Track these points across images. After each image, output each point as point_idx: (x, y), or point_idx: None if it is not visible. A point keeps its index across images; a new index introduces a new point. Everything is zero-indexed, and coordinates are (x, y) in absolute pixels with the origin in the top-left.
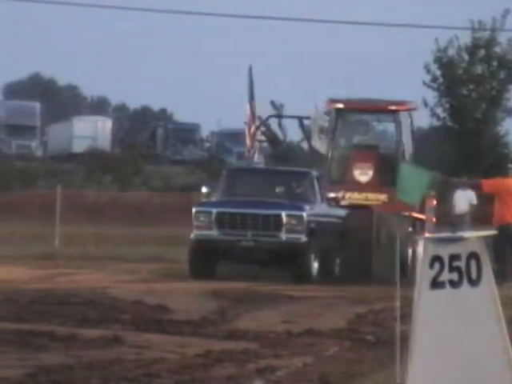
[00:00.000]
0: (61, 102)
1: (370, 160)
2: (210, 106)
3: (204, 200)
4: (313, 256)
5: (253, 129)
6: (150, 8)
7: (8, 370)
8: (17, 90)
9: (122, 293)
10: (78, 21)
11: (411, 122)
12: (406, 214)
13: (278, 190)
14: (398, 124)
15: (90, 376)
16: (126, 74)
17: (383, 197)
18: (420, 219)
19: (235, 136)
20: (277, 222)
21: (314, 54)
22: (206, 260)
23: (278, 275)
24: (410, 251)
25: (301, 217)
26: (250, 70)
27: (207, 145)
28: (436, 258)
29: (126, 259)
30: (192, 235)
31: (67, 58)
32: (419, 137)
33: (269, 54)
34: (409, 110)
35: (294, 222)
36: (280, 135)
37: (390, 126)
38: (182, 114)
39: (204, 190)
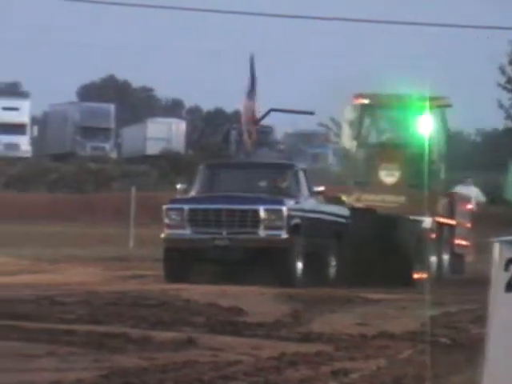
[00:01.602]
0: (135, 104)
1: (396, 160)
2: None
3: (176, 197)
4: (296, 255)
5: (257, 117)
6: (219, 10)
7: (83, 372)
8: (91, 92)
9: (195, 295)
10: (152, 23)
11: (445, 120)
12: (426, 218)
13: (259, 184)
14: (430, 121)
15: (164, 378)
16: (199, 76)
17: (402, 199)
18: (448, 224)
19: (309, 137)
20: (254, 217)
21: (380, 54)
22: (179, 261)
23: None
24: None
25: (280, 211)
26: (252, 59)
27: (281, 147)
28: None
29: None
30: (163, 235)
31: (142, 61)
32: (493, 138)
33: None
34: (442, 106)
35: (272, 217)
36: None
37: (421, 124)
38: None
39: (179, 186)
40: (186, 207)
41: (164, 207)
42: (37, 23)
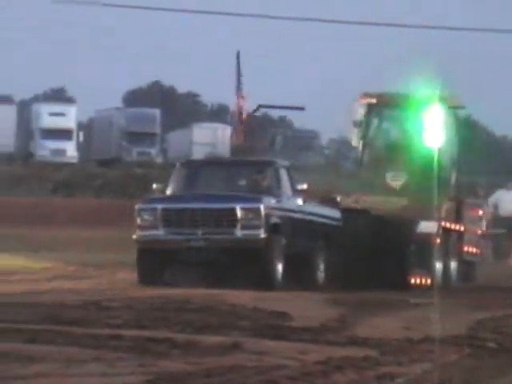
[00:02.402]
0: (180, 109)
1: (403, 163)
2: (330, 115)
3: (149, 196)
4: (276, 256)
5: (244, 116)
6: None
7: (129, 377)
8: (137, 97)
9: (240, 299)
10: (196, 29)
11: (457, 121)
12: (429, 222)
13: (238, 182)
14: (439, 123)
15: (209, 383)
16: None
17: (403, 202)
18: (455, 230)
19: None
20: (230, 217)
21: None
22: (153, 263)
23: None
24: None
25: (258, 210)
26: (238, 56)
27: (327, 151)
28: None
29: None
30: (135, 236)
31: (187, 66)
32: None
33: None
34: (453, 106)
35: (250, 216)
36: None
37: (430, 125)
38: (301, 122)
39: (154, 186)
40: (160, 207)
41: (136, 207)
42: (83, 29)
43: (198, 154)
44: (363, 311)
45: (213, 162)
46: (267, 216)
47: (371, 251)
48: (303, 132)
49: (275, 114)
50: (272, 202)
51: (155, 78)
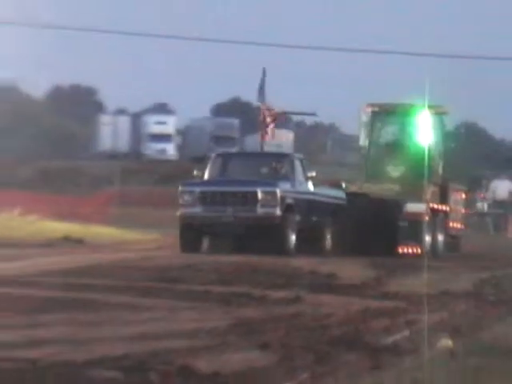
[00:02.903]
0: (254, 118)
1: (401, 158)
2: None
3: (189, 180)
4: (290, 229)
5: (269, 122)
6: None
7: (217, 322)
8: (222, 109)
9: (299, 263)
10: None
11: (442, 125)
12: (418, 203)
13: (261, 170)
14: (428, 126)
15: (278, 327)
16: (305, 92)
17: (398, 188)
18: (442, 210)
19: None
20: (253, 198)
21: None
22: (192, 235)
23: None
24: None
25: (274, 192)
26: (264, 72)
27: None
28: None
29: None
30: (178, 213)
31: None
32: None
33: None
34: (439, 113)
35: (268, 197)
36: None
37: (421, 128)
38: (348, 127)
39: (195, 172)
40: (197, 189)
41: (179, 189)
42: (182, 49)
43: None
44: (394, 272)
45: (240, 154)
46: (282, 198)
47: (369, 226)
48: (350, 137)
49: (325, 120)
50: (287, 186)
51: (236, 94)
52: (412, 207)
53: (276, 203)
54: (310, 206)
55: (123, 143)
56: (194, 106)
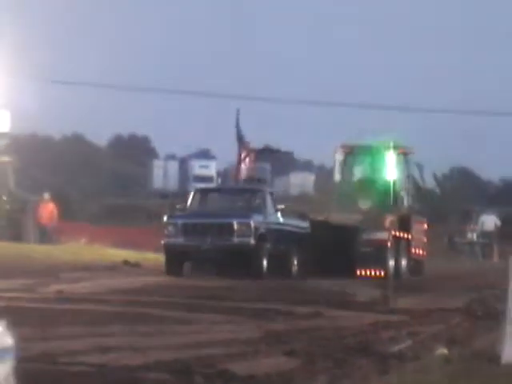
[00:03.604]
0: (283, 163)
1: (369, 192)
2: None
3: (172, 213)
4: (262, 256)
5: (247, 160)
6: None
7: (250, 333)
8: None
9: (317, 284)
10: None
11: (408, 163)
12: (381, 232)
13: (236, 203)
14: (394, 164)
15: (302, 337)
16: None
17: (363, 217)
18: (404, 238)
19: None
20: (229, 228)
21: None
22: (175, 261)
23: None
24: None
25: (248, 224)
26: (238, 112)
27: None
28: None
29: None
30: (163, 242)
31: (286, 134)
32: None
33: None
34: (404, 153)
35: (243, 228)
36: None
37: (387, 165)
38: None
39: (178, 206)
40: (180, 221)
41: (164, 221)
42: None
43: (295, 192)
44: (397, 291)
45: (218, 189)
46: (256, 228)
47: (330, 251)
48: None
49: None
50: (259, 217)
51: (266, 142)
52: (376, 235)
53: (250, 233)
54: (279, 234)
55: (172, 183)
56: (232, 152)
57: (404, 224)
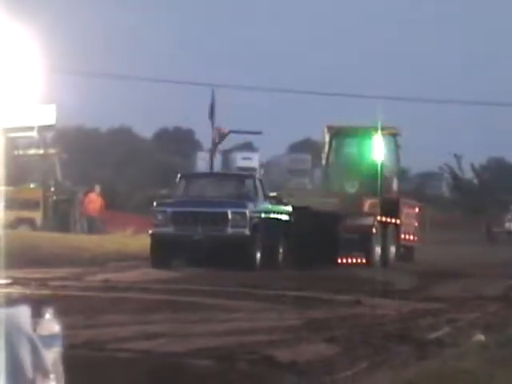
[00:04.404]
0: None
1: (355, 175)
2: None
3: (161, 201)
4: (256, 247)
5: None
6: None
7: (291, 320)
8: (296, 147)
9: (359, 272)
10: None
11: (395, 145)
12: (366, 217)
13: (225, 190)
14: (381, 146)
15: (343, 324)
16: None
17: (335, 200)
18: (392, 223)
19: (430, 175)
20: (223, 218)
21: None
22: (163, 252)
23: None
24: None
25: (244, 213)
26: (213, 92)
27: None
28: None
29: None
30: (150, 231)
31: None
32: None
33: None
34: (390, 134)
35: (238, 217)
36: None
37: (375, 147)
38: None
39: (162, 191)
40: (169, 209)
41: (152, 209)
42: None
43: None
44: (436, 279)
45: (206, 174)
46: (251, 218)
47: (312, 239)
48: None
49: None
50: (252, 206)
51: (308, 135)
52: (360, 220)
53: (246, 223)
54: (268, 223)
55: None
56: (273, 144)
57: (392, 208)
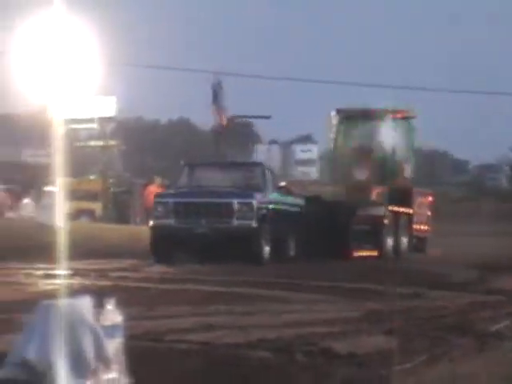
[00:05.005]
0: None
1: (366, 161)
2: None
3: (162, 192)
4: (264, 240)
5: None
6: None
7: (349, 312)
8: (302, 136)
9: (414, 264)
10: None
11: (410, 129)
12: (378, 207)
13: (232, 180)
14: (393, 130)
15: (400, 317)
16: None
17: (342, 189)
18: (404, 214)
19: (490, 168)
20: (228, 209)
21: None
22: (165, 246)
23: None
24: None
25: (251, 204)
26: (215, 78)
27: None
28: None
29: None
30: (150, 223)
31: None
32: None
33: None
34: (405, 117)
35: (244, 209)
36: None
37: (387, 132)
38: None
39: (159, 181)
40: (171, 200)
41: (154, 200)
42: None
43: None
44: (494, 272)
45: (212, 164)
46: (258, 209)
47: (324, 230)
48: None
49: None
50: (260, 196)
51: (315, 125)
52: (371, 210)
53: (252, 215)
54: (278, 215)
55: (275, 167)
56: (281, 133)
57: (405, 197)
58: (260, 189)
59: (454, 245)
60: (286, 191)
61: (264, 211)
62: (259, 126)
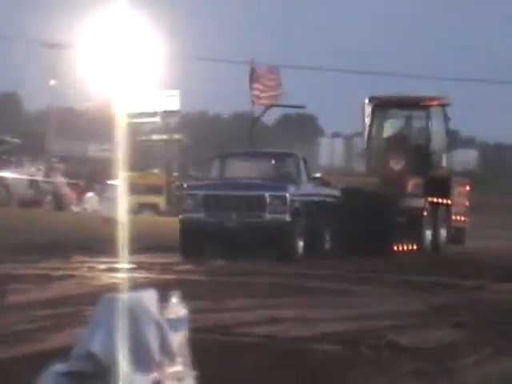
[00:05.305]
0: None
1: (402, 151)
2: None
3: (191, 183)
4: (297, 235)
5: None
6: None
7: (416, 305)
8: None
9: (482, 256)
10: None
11: (445, 117)
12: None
13: (264, 171)
14: (429, 118)
15: (466, 310)
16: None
17: (375, 180)
18: (443, 203)
19: None
20: (260, 202)
21: None
22: (194, 241)
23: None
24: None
25: (284, 197)
26: (252, 62)
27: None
28: None
29: None
30: (179, 217)
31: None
32: None
33: None
34: (440, 105)
35: (277, 202)
36: None
37: (423, 120)
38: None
39: (192, 173)
40: (200, 193)
41: (182, 193)
42: None
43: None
44: None
45: (243, 154)
46: (291, 202)
47: (363, 224)
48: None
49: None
50: (294, 189)
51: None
52: (410, 202)
53: (286, 208)
54: (313, 208)
55: (338, 160)
56: None
57: (443, 187)
58: (293, 180)
59: (489, 237)
60: (321, 182)
61: (297, 204)
62: (323, 120)
